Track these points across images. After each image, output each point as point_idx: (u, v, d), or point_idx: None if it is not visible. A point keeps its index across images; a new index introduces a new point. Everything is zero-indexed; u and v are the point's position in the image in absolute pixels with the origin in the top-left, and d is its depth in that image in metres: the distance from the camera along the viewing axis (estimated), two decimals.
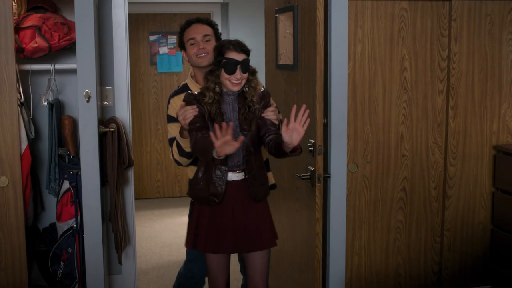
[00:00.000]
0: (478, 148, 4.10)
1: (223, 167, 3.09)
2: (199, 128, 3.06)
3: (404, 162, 4.02)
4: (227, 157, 3.04)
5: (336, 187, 3.85)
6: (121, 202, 4.13)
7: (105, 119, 4.14)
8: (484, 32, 4.01)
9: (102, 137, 3.87)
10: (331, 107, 3.77)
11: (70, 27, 4.02)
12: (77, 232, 3.89)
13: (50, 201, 4.27)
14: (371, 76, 3.91)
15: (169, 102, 3.41)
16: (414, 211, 4.08)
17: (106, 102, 4.24)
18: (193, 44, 3.34)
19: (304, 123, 2.89)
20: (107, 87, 4.25)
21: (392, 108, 3.95)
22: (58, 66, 4.01)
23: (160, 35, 7.45)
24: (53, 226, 4.16)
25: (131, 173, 4.34)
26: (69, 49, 4.00)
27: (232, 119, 3.11)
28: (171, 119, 3.37)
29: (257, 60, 7.22)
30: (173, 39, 7.46)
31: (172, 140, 3.38)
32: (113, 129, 3.93)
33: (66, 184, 3.92)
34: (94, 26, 3.60)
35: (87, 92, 3.59)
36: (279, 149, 3.01)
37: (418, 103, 3.98)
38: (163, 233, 6.18)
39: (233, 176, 3.12)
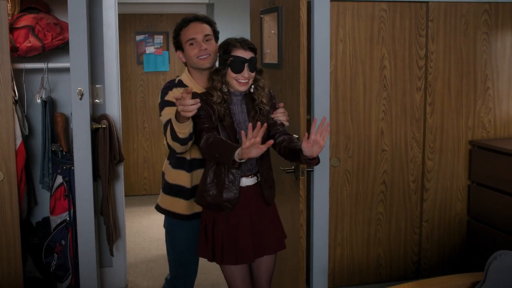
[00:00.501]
0: (455, 143, 4.28)
1: (235, 171, 2.94)
2: (209, 129, 2.89)
3: (384, 156, 4.18)
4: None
5: (319, 180, 4.02)
6: (112, 197, 4.26)
7: (96, 116, 4.27)
8: (459, 32, 4.19)
9: (94, 133, 4.01)
10: (314, 104, 3.94)
11: (62, 27, 4.14)
12: (70, 225, 4.02)
13: (43, 196, 4.39)
14: (352, 74, 4.07)
15: (171, 89, 3.12)
16: (394, 204, 4.25)
17: (97, 100, 4.37)
18: (193, 44, 3.10)
19: (325, 135, 2.73)
20: (98, 85, 4.38)
21: (372, 104, 4.12)
22: (51, 65, 4.12)
23: (146, 35, 7.57)
24: (45, 220, 4.28)
25: (121, 168, 4.47)
26: (61, 48, 4.11)
27: (241, 120, 2.99)
28: (168, 104, 3.10)
29: None
30: (159, 39, 7.58)
31: (167, 124, 3.07)
32: (104, 126, 4.06)
33: (59, 179, 4.04)
34: (86, 27, 3.74)
35: (80, 90, 3.74)
36: (294, 156, 2.89)
37: (397, 100, 4.15)
38: (151, 228, 6.31)
39: (247, 181, 3.00)
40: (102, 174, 4.09)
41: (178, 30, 3.15)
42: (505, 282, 2.69)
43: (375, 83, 4.11)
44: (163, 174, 3.28)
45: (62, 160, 4.06)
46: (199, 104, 2.79)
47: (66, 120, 4.23)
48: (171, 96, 3.06)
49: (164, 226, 3.35)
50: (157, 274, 4.98)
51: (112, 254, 4.32)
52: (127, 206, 6.93)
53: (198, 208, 3.13)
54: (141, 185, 7.82)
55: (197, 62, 3.09)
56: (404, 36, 4.11)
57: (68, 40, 3.96)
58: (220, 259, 2.97)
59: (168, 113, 3.03)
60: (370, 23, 4.06)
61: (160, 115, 3.11)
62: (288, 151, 2.92)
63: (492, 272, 2.79)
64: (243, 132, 2.63)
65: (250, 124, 2.61)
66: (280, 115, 3.11)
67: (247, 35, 7.89)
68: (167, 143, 3.03)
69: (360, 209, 4.20)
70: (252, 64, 2.93)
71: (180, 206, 3.19)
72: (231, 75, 2.91)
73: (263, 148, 2.60)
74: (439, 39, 4.16)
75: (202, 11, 7.49)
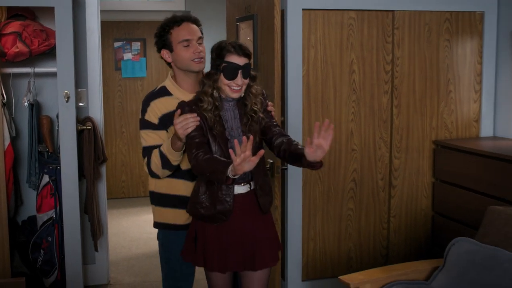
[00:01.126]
0: (420, 142, 4.54)
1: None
2: (199, 145, 2.77)
3: (353, 155, 4.43)
4: None
5: (293, 178, 4.26)
6: (96, 195, 4.46)
7: (80, 119, 4.46)
8: (423, 39, 4.47)
9: (79, 134, 4.21)
10: (287, 106, 4.18)
11: (47, 33, 4.34)
12: (56, 222, 4.21)
13: (28, 196, 4.57)
14: (323, 78, 4.31)
15: (148, 105, 2.97)
16: (363, 200, 4.49)
17: (80, 103, 4.56)
18: (188, 46, 2.95)
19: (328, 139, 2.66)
20: (81, 89, 4.57)
21: (342, 106, 4.36)
22: (37, 69, 4.32)
23: (124, 42, 7.76)
24: (31, 219, 4.46)
25: (104, 169, 4.67)
26: (47, 54, 4.31)
27: (234, 127, 2.85)
28: (148, 125, 2.97)
29: None
30: (137, 45, 7.78)
31: (148, 149, 2.96)
32: (89, 127, 4.27)
33: (45, 178, 4.24)
34: (72, 34, 3.95)
35: (67, 93, 3.94)
36: (295, 159, 2.80)
37: (365, 102, 4.40)
38: (130, 229, 6.50)
39: (239, 189, 2.85)
40: (87, 174, 4.29)
41: (167, 28, 2.96)
42: (462, 264, 2.96)
43: (345, 86, 4.35)
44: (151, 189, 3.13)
45: (49, 160, 4.25)
46: (198, 121, 2.75)
47: (51, 123, 4.42)
48: (152, 112, 2.95)
49: (159, 238, 3.21)
50: (137, 271, 5.17)
51: (96, 250, 4.51)
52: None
53: None
54: (119, 188, 7.99)
55: (191, 65, 2.96)
56: (372, 42, 4.37)
57: (53, 46, 4.18)
58: (210, 266, 2.87)
59: (149, 137, 2.94)
60: (340, 31, 4.31)
61: (140, 131, 3.01)
62: (288, 154, 2.82)
63: (450, 256, 3.05)
64: (233, 148, 2.56)
65: (235, 141, 2.57)
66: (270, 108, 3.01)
67: None
68: (150, 170, 2.92)
69: (331, 206, 4.43)
70: (246, 70, 2.79)
71: (181, 216, 3.04)
72: (223, 81, 2.78)
73: (255, 160, 2.52)
74: (404, 46, 4.43)
75: None
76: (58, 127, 4.23)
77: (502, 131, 4.60)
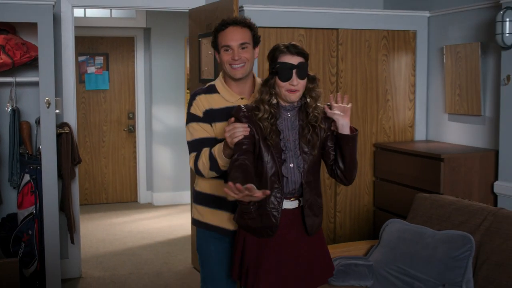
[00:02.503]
0: (361, 145, 5.11)
1: (278, 195, 2.66)
2: (244, 151, 2.63)
3: None
4: (282, 183, 2.66)
5: None
6: (71, 193, 4.90)
7: (57, 124, 4.90)
8: (364, 54, 5.06)
9: (57, 137, 4.65)
10: None
11: (28, 46, 4.77)
12: (37, 217, 4.63)
13: (7, 195, 4.97)
14: None
15: (194, 99, 2.95)
16: None
17: (57, 110, 5.00)
18: (227, 51, 2.89)
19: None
20: (57, 98, 5.00)
21: None
22: (19, 79, 4.74)
23: (88, 56, 8.19)
24: (10, 216, 4.86)
25: (77, 170, 5.11)
26: (28, 65, 4.74)
27: (290, 138, 2.69)
28: (193, 118, 2.93)
29: (177, 78, 8.07)
30: (100, 59, 8.20)
31: (193, 143, 2.93)
32: (67, 131, 4.72)
33: (26, 177, 4.65)
34: (53, 47, 4.41)
35: (48, 100, 4.39)
36: (340, 152, 2.70)
37: None
38: (95, 231, 6.90)
39: (286, 204, 2.70)
40: (65, 173, 4.74)
41: (215, 32, 2.95)
42: (394, 240, 3.53)
43: None
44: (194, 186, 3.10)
45: (29, 161, 4.67)
46: (247, 132, 2.65)
47: (30, 127, 4.85)
48: (198, 105, 2.93)
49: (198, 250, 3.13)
50: (106, 266, 5.60)
51: (73, 242, 4.95)
52: None
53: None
54: (82, 195, 8.33)
55: (229, 70, 2.91)
56: (319, 56, 4.93)
57: (33, 58, 4.62)
58: (251, 284, 2.72)
59: (195, 130, 2.92)
60: None
61: (186, 126, 3.00)
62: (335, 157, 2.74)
63: (384, 235, 3.62)
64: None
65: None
66: (336, 110, 2.72)
67: (181, 58, 8.69)
68: (196, 167, 2.88)
69: None
70: (301, 70, 2.65)
71: (219, 217, 2.99)
72: (279, 84, 2.66)
73: (260, 195, 2.37)
74: (348, 60, 5.00)
75: (140, 35, 8.17)
76: (37, 131, 4.67)
77: (433, 135, 5.22)
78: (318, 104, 2.72)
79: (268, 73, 2.73)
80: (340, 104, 2.69)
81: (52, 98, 4.41)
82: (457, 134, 4.93)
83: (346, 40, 5.00)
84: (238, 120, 2.69)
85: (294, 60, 2.65)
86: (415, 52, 5.20)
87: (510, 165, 4.24)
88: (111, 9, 7.80)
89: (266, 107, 2.66)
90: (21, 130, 4.75)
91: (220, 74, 3.03)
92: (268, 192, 2.40)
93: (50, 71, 4.40)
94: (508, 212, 3.35)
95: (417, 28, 5.18)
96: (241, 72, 2.90)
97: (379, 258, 3.53)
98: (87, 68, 8.20)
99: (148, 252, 6.04)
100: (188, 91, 7.00)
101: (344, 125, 2.66)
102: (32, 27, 4.65)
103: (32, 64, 4.67)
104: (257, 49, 3.01)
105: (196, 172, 2.93)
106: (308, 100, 2.71)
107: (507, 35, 4.13)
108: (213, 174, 2.85)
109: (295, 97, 2.67)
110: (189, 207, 7.27)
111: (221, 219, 2.97)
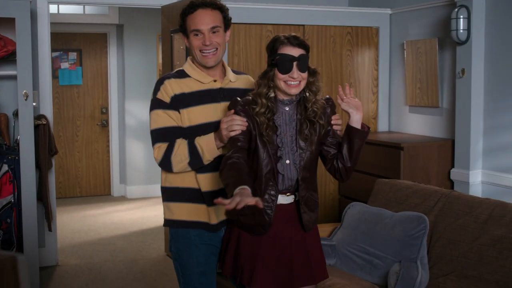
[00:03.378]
0: None
1: (272, 192, 2.55)
2: (238, 149, 2.53)
3: None
4: (277, 181, 2.56)
5: None
6: (47, 183, 5.07)
7: (35, 116, 5.07)
8: (329, 49, 5.32)
9: (35, 129, 4.82)
10: None
11: (5, 41, 4.92)
12: (15, 205, 4.79)
13: None
14: None
15: (162, 83, 2.71)
16: None
17: (33, 103, 5.16)
18: (197, 35, 2.68)
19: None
20: (34, 91, 5.16)
21: None
22: None
23: (61, 52, 8.32)
24: None
25: (53, 160, 5.28)
26: (5, 59, 4.89)
27: (287, 133, 2.59)
28: (158, 104, 2.69)
29: (150, 73, 8.24)
30: (73, 55, 8.35)
31: (156, 132, 2.69)
32: (45, 122, 4.89)
33: (5, 167, 4.81)
34: (30, 41, 4.58)
35: (26, 92, 4.56)
36: (347, 146, 2.62)
37: None
38: (70, 223, 7.06)
39: (281, 199, 2.59)
40: (42, 164, 4.91)
41: (183, 15, 2.73)
42: (355, 222, 3.78)
43: None
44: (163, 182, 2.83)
45: (7, 151, 4.84)
46: (245, 127, 2.54)
47: (8, 119, 5.01)
48: (166, 91, 2.70)
49: (171, 250, 2.87)
50: (82, 255, 5.78)
51: (50, 229, 5.12)
52: None
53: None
54: (57, 188, 8.42)
55: (200, 58, 2.72)
56: None
57: (11, 52, 4.78)
58: (247, 280, 2.61)
59: (160, 118, 2.69)
60: (259, 41, 5.10)
61: (149, 113, 2.74)
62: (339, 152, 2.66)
63: (346, 217, 3.87)
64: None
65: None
66: (337, 121, 2.76)
67: (153, 53, 8.86)
68: (166, 161, 2.65)
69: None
70: (302, 62, 2.55)
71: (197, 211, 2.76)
72: (279, 76, 2.54)
73: (253, 202, 2.26)
74: (313, 54, 5.24)
75: (113, 32, 8.33)
76: (14, 123, 4.83)
77: (395, 127, 5.50)
78: (318, 99, 2.64)
79: (267, 65, 2.62)
80: (355, 99, 2.67)
81: (29, 91, 4.58)
82: (417, 125, 5.21)
83: (312, 35, 5.25)
84: (236, 113, 2.58)
85: (295, 52, 2.55)
86: (377, 47, 5.47)
87: (465, 153, 4.53)
88: (84, 6, 7.95)
89: (264, 100, 2.55)
90: None
91: (188, 58, 2.82)
92: (261, 205, 2.30)
93: (28, 65, 4.57)
94: (459, 194, 3.63)
95: (380, 24, 5.45)
96: (213, 59, 2.71)
97: (341, 238, 3.78)
98: (61, 63, 8.33)
99: (122, 242, 6.23)
100: None
101: (358, 120, 2.64)
102: (9, 22, 4.79)
103: (9, 58, 4.83)
104: (228, 32, 2.80)
105: (161, 165, 2.70)
106: (307, 94, 2.61)
107: (461, 31, 4.41)
108: (185, 169, 2.67)
109: (295, 90, 2.57)
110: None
111: (197, 213, 2.75)
